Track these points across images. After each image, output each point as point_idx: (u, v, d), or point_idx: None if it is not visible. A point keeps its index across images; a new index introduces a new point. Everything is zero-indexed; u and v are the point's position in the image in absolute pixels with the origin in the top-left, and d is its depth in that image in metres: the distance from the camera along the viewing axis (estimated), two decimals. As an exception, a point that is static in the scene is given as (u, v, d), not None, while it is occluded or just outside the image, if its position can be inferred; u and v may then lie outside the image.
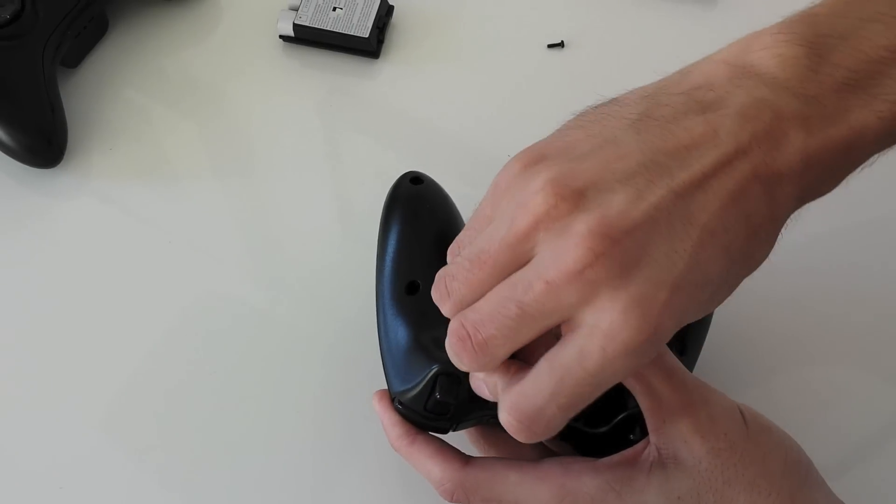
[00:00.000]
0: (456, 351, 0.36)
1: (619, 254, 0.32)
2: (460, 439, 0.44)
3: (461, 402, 0.40)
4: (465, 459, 0.41)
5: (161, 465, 0.50)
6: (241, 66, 0.63)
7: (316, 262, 0.56)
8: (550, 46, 0.63)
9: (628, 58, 0.63)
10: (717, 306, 0.36)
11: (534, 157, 0.36)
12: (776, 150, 0.34)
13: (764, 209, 0.34)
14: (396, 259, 0.45)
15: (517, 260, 0.34)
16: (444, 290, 0.36)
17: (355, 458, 0.50)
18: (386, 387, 0.43)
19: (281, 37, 0.63)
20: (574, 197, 0.33)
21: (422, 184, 0.48)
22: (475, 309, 0.35)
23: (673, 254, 0.33)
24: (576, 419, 0.41)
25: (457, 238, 0.39)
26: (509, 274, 0.35)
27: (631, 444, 0.40)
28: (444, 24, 0.64)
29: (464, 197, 0.48)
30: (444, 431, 0.42)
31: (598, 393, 0.34)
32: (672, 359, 0.41)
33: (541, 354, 0.35)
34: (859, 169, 0.38)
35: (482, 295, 0.35)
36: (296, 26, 0.62)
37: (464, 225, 0.46)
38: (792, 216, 0.37)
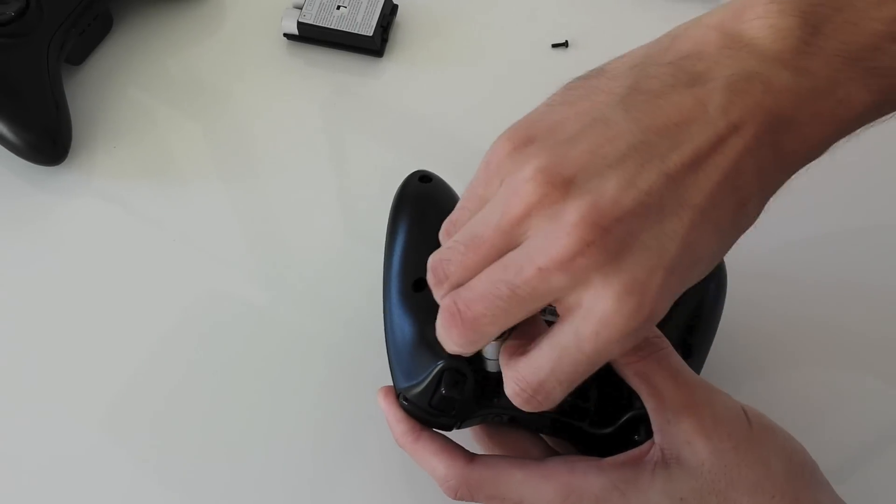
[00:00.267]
0: (446, 326, 0.36)
1: (609, 242, 0.33)
2: (465, 439, 0.44)
3: (466, 397, 0.40)
4: (470, 457, 0.41)
5: (162, 465, 0.50)
6: (245, 65, 0.63)
7: (319, 262, 0.56)
8: (555, 46, 0.63)
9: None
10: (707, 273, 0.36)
11: (523, 139, 0.35)
12: (767, 125, 0.34)
13: (754, 183, 0.34)
14: (405, 256, 0.45)
15: (510, 243, 0.35)
16: (441, 274, 0.37)
17: (358, 458, 0.50)
18: (391, 384, 0.43)
19: (285, 35, 0.63)
20: (565, 184, 0.33)
21: (430, 182, 0.48)
22: (468, 287, 0.35)
23: (664, 237, 0.33)
24: (581, 419, 0.41)
25: (449, 217, 0.39)
26: (502, 255, 0.35)
27: (636, 444, 0.40)
28: (449, 23, 0.64)
29: (468, 196, 0.48)
30: (449, 428, 0.42)
31: (594, 369, 0.35)
32: (677, 359, 0.41)
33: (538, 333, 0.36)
34: (846, 139, 0.37)
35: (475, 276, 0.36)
36: (300, 25, 0.62)
37: None
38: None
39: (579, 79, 0.38)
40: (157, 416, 0.52)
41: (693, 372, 0.41)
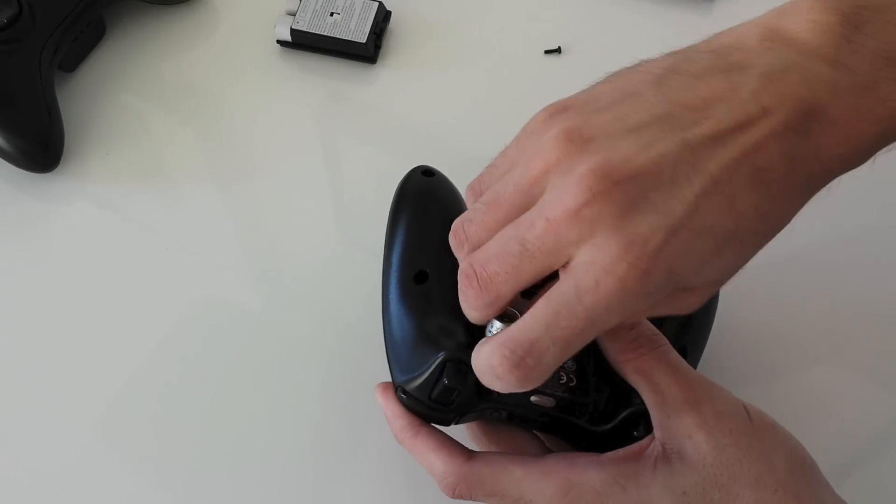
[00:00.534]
0: (463, 289, 0.36)
1: (618, 195, 0.33)
2: (460, 437, 0.43)
3: (468, 389, 0.40)
4: (469, 454, 0.41)
5: (158, 471, 0.50)
6: (238, 71, 0.63)
7: (314, 267, 0.56)
8: (548, 52, 0.64)
9: (625, 62, 0.63)
10: (730, 265, 0.36)
11: (558, 108, 0.37)
12: (799, 112, 0.34)
13: (779, 168, 0.34)
14: (406, 249, 0.45)
15: (528, 202, 0.35)
16: (462, 235, 0.37)
17: (356, 460, 0.50)
18: (388, 382, 0.43)
19: (278, 42, 0.63)
20: (583, 143, 0.34)
21: (433, 177, 0.48)
22: (483, 249, 0.36)
23: (672, 199, 0.33)
24: (579, 415, 0.41)
25: (479, 176, 0.40)
26: (521, 215, 0.35)
27: (635, 440, 0.40)
28: (442, 30, 0.65)
29: (462, 201, 0.48)
30: (448, 423, 0.42)
31: (589, 333, 0.34)
32: (676, 356, 0.41)
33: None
34: (888, 148, 0.37)
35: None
36: (293, 31, 0.62)
37: None
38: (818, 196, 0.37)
39: (625, 67, 0.39)
40: (154, 421, 0.51)
41: (692, 368, 0.41)
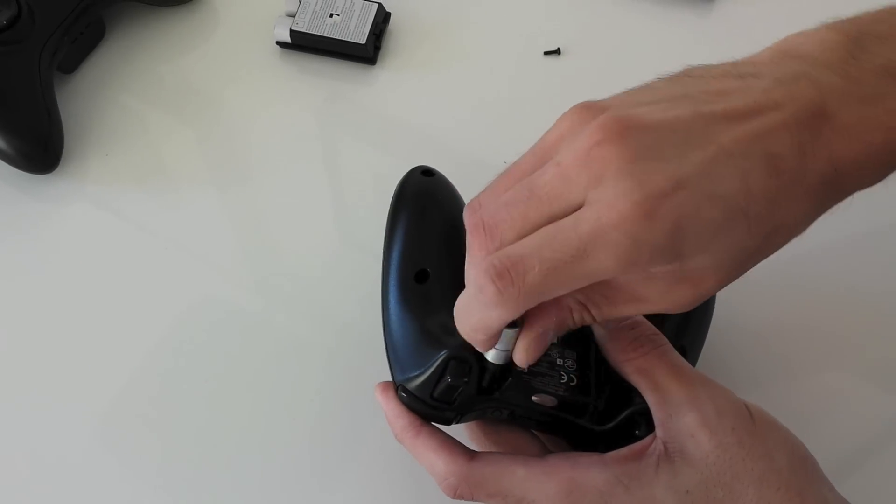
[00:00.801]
0: (469, 240, 0.36)
1: (631, 140, 0.33)
2: (460, 437, 0.43)
3: (470, 387, 0.40)
4: (471, 454, 0.41)
5: (157, 471, 0.50)
6: (237, 73, 0.63)
7: (313, 268, 0.56)
8: (547, 53, 0.64)
9: (625, 64, 0.63)
10: (735, 251, 0.35)
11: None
12: (808, 111, 0.35)
13: (792, 157, 0.34)
14: (406, 248, 0.45)
15: (540, 167, 0.35)
16: (476, 203, 0.37)
17: (356, 461, 0.50)
18: (388, 381, 0.43)
19: (278, 43, 0.63)
20: (600, 109, 0.35)
21: (433, 177, 0.48)
22: (494, 204, 0.36)
23: (684, 157, 0.33)
24: (580, 415, 0.41)
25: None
26: None
27: (637, 440, 0.40)
28: (441, 31, 0.65)
29: (460, 202, 0.48)
30: (449, 422, 0.42)
31: (577, 268, 0.33)
32: (676, 355, 0.41)
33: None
34: None
35: None
36: (293, 33, 0.62)
37: None
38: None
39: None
40: (153, 421, 0.51)
41: (693, 367, 0.41)
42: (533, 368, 0.41)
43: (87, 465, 0.50)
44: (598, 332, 0.42)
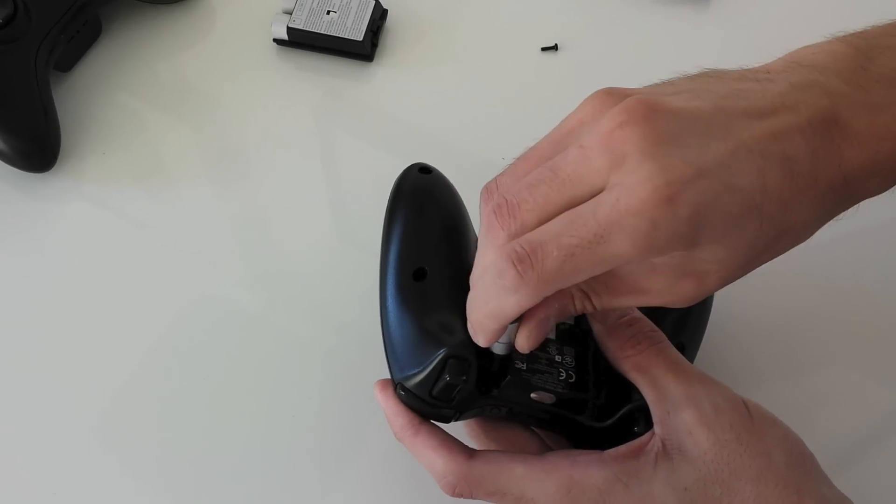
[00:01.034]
0: (488, 221, 0.36)
1: (655, 123, 0.33)
2: (459, 435, 0.43)
3: (469, 385, 0.40)
4: (470, 452, 0.41)
5: (156, 469, 0.50)
6: (234, 70, 0.63)
7: (311, 265, 0.56)
8: (544, 49, 0.64)
9: (622, 60, 0.63)
10: (745, 248, 0.35)
11: None
12: (821, 118, 0.35)
13: (806, 161, 0.35)
14: (404, 246, 0.45)
15: (560, 151, 0.35)
16: (493, 185, 0.37)
17: (355, 461, 0.50)
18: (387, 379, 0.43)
19: (275, 40, 0.63)
20: (623, 95, 0.35)
21: (430, 174, 0.48)
22: (516, 184, 0.36)
23: (706, 146, 0.33)
24: (579, 412, 0.41)
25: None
26: None
27: (635, 437, 0.40)
28: (439, 28, 0.64)
29: (458, 199, 0.48)
30: (448, 420, 0.42)
31: (596, 252, 0.33)
32: (675, 352, 0.41)
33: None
34: None
35: None
36: (290, 30, 0.62)
37: (470, 218, 0.46)
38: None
39: None
40: (151, 419, 0.51)
41: (691, 364, 0.41)
42: (531, 366, 0.41)
43: (85, 463, 0.50)
44: (597, 328, 0.42)
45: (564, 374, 0.42)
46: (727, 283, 0.36)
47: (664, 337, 0.42)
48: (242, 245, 0.57)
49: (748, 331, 0.53)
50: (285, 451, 0.50)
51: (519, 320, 0.38)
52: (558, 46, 0.64)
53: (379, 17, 0.63)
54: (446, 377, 0.39)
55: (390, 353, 0.42)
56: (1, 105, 0.57)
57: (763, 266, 0.38)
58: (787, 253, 0.45)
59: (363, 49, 0.62)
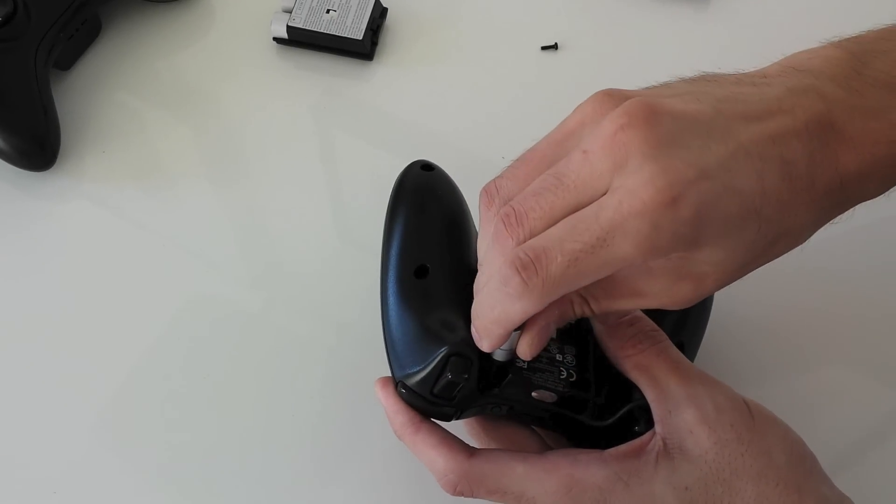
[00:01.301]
0: (498, 230, 0.36)
1: (656, 125, 0.33)
2: (459, 433, 0.43)
3: (470, 383, 0.40)
4: (471, 451, 0.41)
5: (156, 468, 0.50)
6: (234, 69, 0.63)
7: (311, 264, 0.56)
8: (544, 48, 0.64)
9: (622, 59, 0.63)
10: (743, 251, 0.35)
11: None
12: (817, 122, 0.36)
13: (803, 164, 0.35)
14: (405, 243, 0.44)
15: (561, 155, 0.36)
16: (493, 188, 0.37)
17: (355, 460, 0.50)
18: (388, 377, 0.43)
19: (274, 39, 0.63)
20: (622, 97, 0.35)
21: (432, 171, 0.48)
22: (521, 193, 0.36)
23: (707, 149, 0.34)
24: (580, 411, 0.41)
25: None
26: (551, 167, 0.36)
27: (636, 436, 0.40)
28: (438, 27, 0.64)
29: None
30: (449, 418, 0.42)
31: (599, 256, 0.34)
32: (676, 352, 0.41)
33: None
34: None
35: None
36: (289, 28, 0.62)
37: (471, 215, 0.46)
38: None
39: None
40: (151, 418, 0.51)
41: (692, 364, 0.41)
42: (532, 364, 0.41)
43: (85, 463, 0.50)
44: (598, 328, 0.43)
45: (565, 373, 0.42)
46: (724, 286, 0.37)
47: (665, 336, 0.42)
48: (242, 244, 0.57)
49: (749, 329, 0.53)
50: (286, 451, 0.50)
51: (521, 327, 0.38)
52: (558, 45, 0.64)
53: (379, 16, 0.63)
54: (448, 375, 0.39)
55: (391, 351, 0.42)
56: (0, 104, 0.56)
57: (766, 264, 0.38)
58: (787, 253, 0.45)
59: (363, 48, 0.62)
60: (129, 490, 0.49)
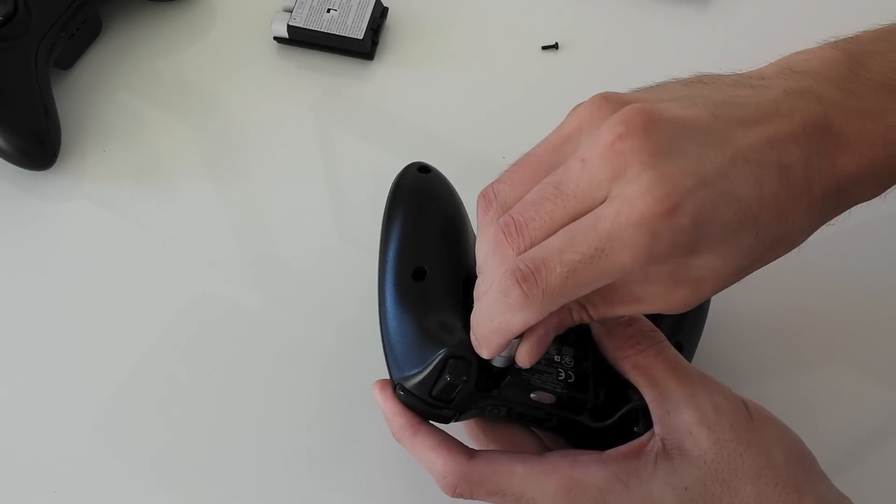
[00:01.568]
0: (499, 241, 0.36)
1: (654, 134, 0.33)
2: (458, 435, 0.43)
3: (469, 385, 0.40)
4: (470, 452, 0.41)
5: (155, 467, 0.50)
6: (235, 68, 0.63)
7: (310, 264, 0.56)
8: (545, 48, 0.64)
9: (623, 58, 0.63)
10: (739, 257, 0.35)
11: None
12: (815, 126, 0.36)
13: (800, 168, 0.35)
14: (403, 245, 0.44)
15: (559, 160, 0.35)
16: (491, 193, 0.37)
17: (353, 460, 0.50)
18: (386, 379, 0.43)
19: (275, 38, 0.63)
20: (619, 102, 0.35)
21: (429, 173, 0.48)
22: (521, 202, 0.36)
23: (705, 156, 0.34)
24: (579, 412, 0.41)
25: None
26: (550, 172, 0.36)
27: (635, 436, 0.40)
28: (439, 26, 0.64)
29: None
30: (447, 420, 0.42)
31: (597, 266, 0.34)
32: (674, 352, 0.41)
33: None
34: None
35: (525, 194, 0.36)
36: (290, 28, 0.62)
37: (468, 217, 0.46)
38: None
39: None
40: (151, 417, 0.51)
41: (691, 364, 0.41)
42: (531, 366, 0.41)
43: (84, 461, 0.50)
44: (596, 328, 0.43)
45: (564, 374, 0.42)
46: (721, 290, 0.37)
47: (663, 337, 0.42)
48: (242, 243, 0.57)
49: (747, 328, 0.53)
50: (285, 450, 0.50)
51: (520, 336, 0.38)
52: (559, 45, 0.64)
53: (379, 16, 0.63)
54: (446, 377, 0.39)
55: (389, 354, 0.42)
56: (1, 103, 0.56)
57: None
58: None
59: (363, 47, 0.62)
60: (130, 488, 0.49)
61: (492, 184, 0.38)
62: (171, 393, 0.52)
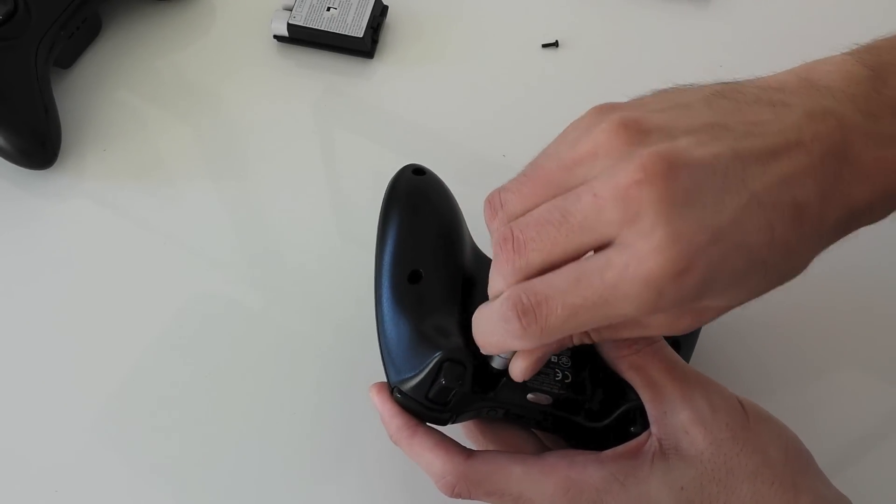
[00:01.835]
0: (496, 252, 0.36)
1: (673, 182, 0.32)
2: (456, 436, 0.43)
3: (465, 388, 0.40)
4: (468, 453, 0.41)
5: (155, 467, 0.50)
6: (235, 67, 0.63)
7: (311, 263, 0.56)
8: (545, 46, 0.64)
9: (623, 57, 0.63)
10: (742, 297, 0.35)
11: (608, 106, 0.36)
12: (834, 154, 0.35)
13: (815, 204, 0.34)
14: (398, 248, 0.44)
15: (569, 180, 0.35)
16: (497, 201, 0.37)
17: (352, 459, 0.50)
18: (383, 382, 0.43)
19: (275, 37, 0.63)
20: (640, 133, 0.34)
21: (424, 175, 0.47)
22: (525, 217, 0.36)
23: (721, 204, 0.33)
24: (576, 412, 0.41)
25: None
26: (560, 193, 0.35)
27: (632, 436, 0.40)
28: (439, 24, 0.64)
29: (458, 196, 0.48)
30: (444, 422, 0.42)
31: (599, 312, 0.34)
32: (671, 352, 0.41)
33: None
34: None
35: (532, 208, 0.36)
36: (290, 26, 0.62)
37: (464, 220, 0.46)
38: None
39: (671, 86, 0.39)
40: (151, 416, 0.51)
41: (687, 364, 0.41)
42: None
43: (86, 460, 0.50)
44: None
45: (560, 375, 0.42)
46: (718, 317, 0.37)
47: (660, 337, 0.42)
48: (242, 242, 0.57)
49: (746, 328, 0.53)
50: (284, 449, 0.50)
51: None
52: (559, 43, 0.64)
53: (379, 14, 0.63)
54: (442, 381, 0.39)
55: (386, 356, 0.42)
56: (1, 102, 0.57)
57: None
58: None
59: (363, 46, 0.62)
60: (130, 487, 0.50)
61: (499, 191, 0.37)
62: (172, 391, 0.52)
